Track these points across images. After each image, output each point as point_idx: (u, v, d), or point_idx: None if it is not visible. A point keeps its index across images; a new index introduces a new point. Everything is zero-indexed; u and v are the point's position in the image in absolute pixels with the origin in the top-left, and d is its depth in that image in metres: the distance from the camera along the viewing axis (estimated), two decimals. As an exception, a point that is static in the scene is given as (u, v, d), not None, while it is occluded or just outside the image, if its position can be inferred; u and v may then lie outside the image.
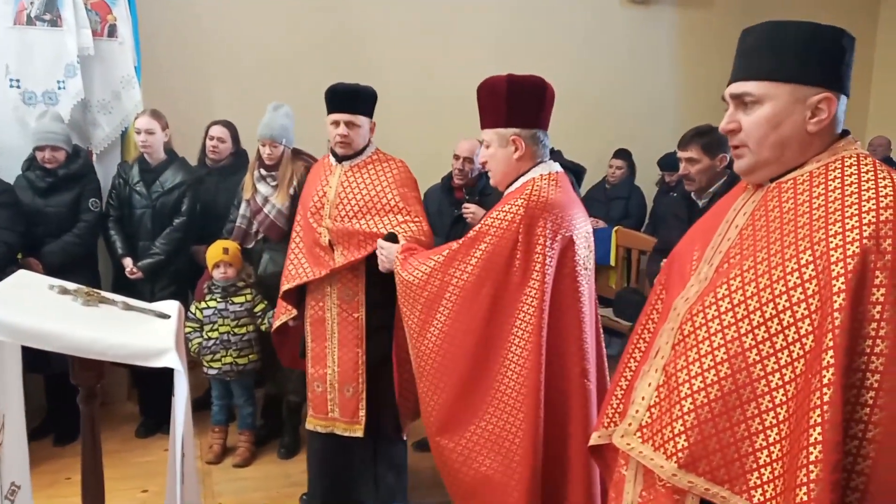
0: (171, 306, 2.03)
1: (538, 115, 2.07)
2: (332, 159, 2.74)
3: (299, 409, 3.52)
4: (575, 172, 3.76)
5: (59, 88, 3.66)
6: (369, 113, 2.67)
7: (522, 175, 2.08)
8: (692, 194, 2.97)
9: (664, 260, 2.61)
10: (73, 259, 3.48)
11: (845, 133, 1.20)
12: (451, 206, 3.53)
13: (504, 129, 2.04)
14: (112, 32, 3.83)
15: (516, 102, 2.02)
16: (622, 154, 5.23)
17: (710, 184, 2.88)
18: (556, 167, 2.10)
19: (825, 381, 1.01)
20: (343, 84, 2.64)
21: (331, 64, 4.79)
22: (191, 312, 3.36)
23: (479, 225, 2.09)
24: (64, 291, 1.90)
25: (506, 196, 2.12)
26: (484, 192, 3.55)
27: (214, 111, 4.25)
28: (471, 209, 3.40)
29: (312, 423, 2.80)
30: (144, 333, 1.75)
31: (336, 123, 2.61)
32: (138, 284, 3.53)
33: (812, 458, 1.00)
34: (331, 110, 2.63)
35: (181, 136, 3.91)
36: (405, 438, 2.86)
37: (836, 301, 1.02)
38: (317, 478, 2.89)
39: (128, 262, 3.54)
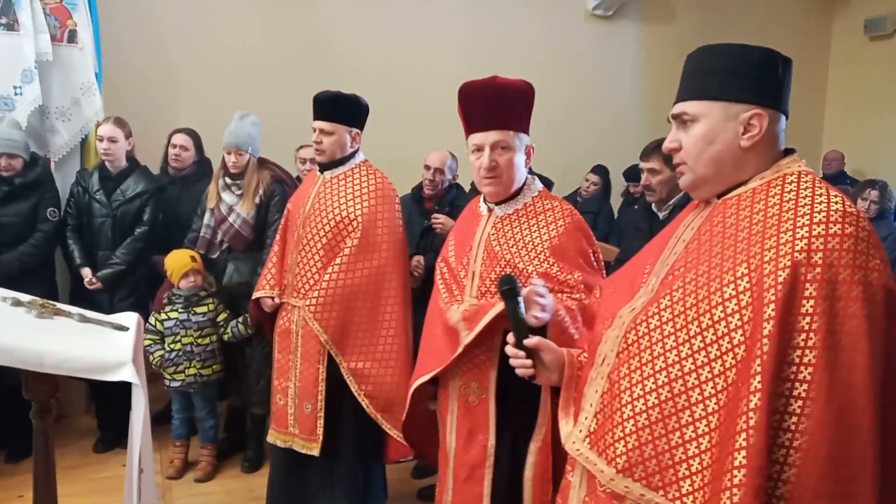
0: (130, 318, 1.99)
1: None
2: (318, 169, 2.75)
3: (264, 421, 3.47)
4: (546, 184, 3.80)
5: (16, 94, 3.58)
6: (348, 121, 2.62)
7: (522, 188, 2.02)
8: (653, 206, 3.02)
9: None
10: (29, 270, 3.38)
11: (791, 151, 1.26)
12: (420, 216, 3.52)
13: (525, 134, 1.95)
14: (72, 38, 3.76)
15: (531, 111, 1.98)
16: (599, 170, 5.29)
17: (670, 195, 2.94)
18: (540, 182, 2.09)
19: (752, 388, 1.04)
20: (325, 91, 2.62)
21: (298, 73, 4.78)
22: (150, 324, 3.29)
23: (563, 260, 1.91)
24: (17, 303, 1.85)
25: (529, 218, 1.98)
26: (454, 203, 3.56)
27: (178, 119, 4.20)
28: (440, 220, 3.40)
29: (273, 437, 2.76)
30: (100, 346, 1.71)
31: (314, 130, 2.62)
32: (97, 295, 3.45)
33: (736, 462, 1.03)
34: (313, 118, 2.64)
35: (144, 144, 3.85)
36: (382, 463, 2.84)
37: (765, 311, 1.06)
38: (275, 493, 2.84)
39: (86, 273, 3.47)
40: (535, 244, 1.94)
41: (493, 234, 2.01)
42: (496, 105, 1.90)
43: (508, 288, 1.49)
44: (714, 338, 1.12)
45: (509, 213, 2.02)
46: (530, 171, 2.09)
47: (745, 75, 1.20)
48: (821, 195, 1.12)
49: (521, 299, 1.50)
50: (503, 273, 1.86)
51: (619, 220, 4.87)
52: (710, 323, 1.13)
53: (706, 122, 1.22)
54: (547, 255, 1.92)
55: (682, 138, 1.26)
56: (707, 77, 1.23)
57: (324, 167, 2.69)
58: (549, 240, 1.94)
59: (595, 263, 2.01)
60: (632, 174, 4.97)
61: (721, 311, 1.12)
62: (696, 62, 1.27)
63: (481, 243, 2.02)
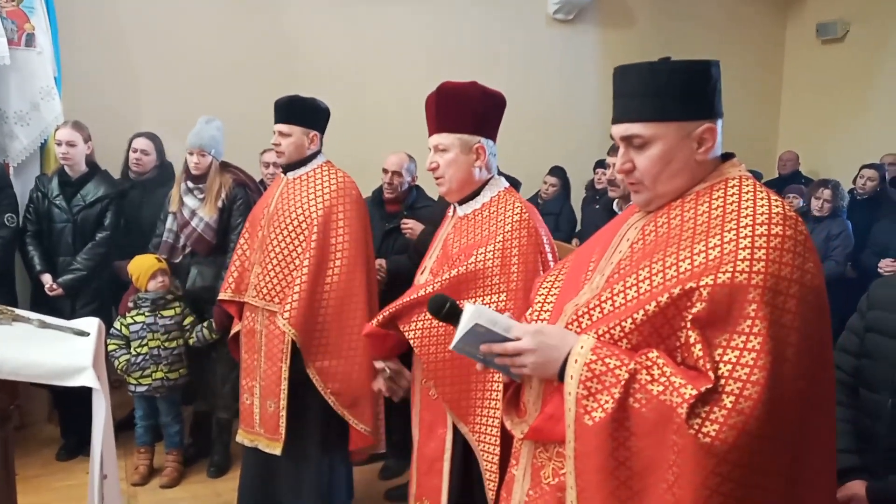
0: (91, 323, 1.98)
1: (497, 129, 2.08)
2: (282, 171, 2.79)
3: (229, 426, 3.46)
4: (512, 184, 3.85)
5: (-29, 99, 3.52)
6: (304, 123, 2.65)
7: (481, 188, 2.04)
8: (614, 204, 3.09)
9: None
10: (-13, 276, 3.33)
11: (730, 156, 1.31)
12: (381, 219, 3.54)
13: (469, 135, 1.99)
14: (30, 42, 3.70)
15: (485, 112, 2.01)
16: (557, 171, 5.39)
17: (631, 194, 3.01)
18: (506, 182, 2.11)
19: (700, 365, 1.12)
20: (286, 96, 2.67)
21: (261, 77, 4.77)
22: (115, 329, 3.26)
23: (483, 264, 1.90)
24: (-26, 310, 1.84)
25: (484, 219, 2.00)
26: (414, 205, 3.59)
27: (140, 124, 4.16)
28: (409, 224, 3.41)
29: (241, 436, 2.79)
30: (60, 352, 1.71)
31: (273, 134, 2.66)
32: (59, 301, 3.41)
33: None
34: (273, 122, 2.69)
35: (105, 149, 3.81)
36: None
37: (695, 307, 1.12)
38: (245, 494, 2.85)
39: (47, 279, 3.42)
40: (481, 245, 1.94)
41: (451, 235, 2.06)
42: (438, 108, 1.99)
43: (445, 311, 1.37)
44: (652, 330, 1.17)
45: (468, 213, 2.05)
46: (499, 172, 2.12)
47: (692, 92, 1.23)
48: (762, 198, 1.18)
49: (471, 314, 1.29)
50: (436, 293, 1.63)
51: (584, 220, 4.96)
52: (649, 317, 1.16)
53: (662, 143, 1.24)
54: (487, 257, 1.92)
55: (637, 160, 1.27)
56: (656, 98, 1.24)
57: (286, 169, 2.74)
58: (495, 244, 1.93)
59: (541, 265, 1.98)
60: (603, 162, 5.05)
61: (654, 306, 1.15)
62: (638, 82, 1.27)
63: (440, 242, 2.08)
